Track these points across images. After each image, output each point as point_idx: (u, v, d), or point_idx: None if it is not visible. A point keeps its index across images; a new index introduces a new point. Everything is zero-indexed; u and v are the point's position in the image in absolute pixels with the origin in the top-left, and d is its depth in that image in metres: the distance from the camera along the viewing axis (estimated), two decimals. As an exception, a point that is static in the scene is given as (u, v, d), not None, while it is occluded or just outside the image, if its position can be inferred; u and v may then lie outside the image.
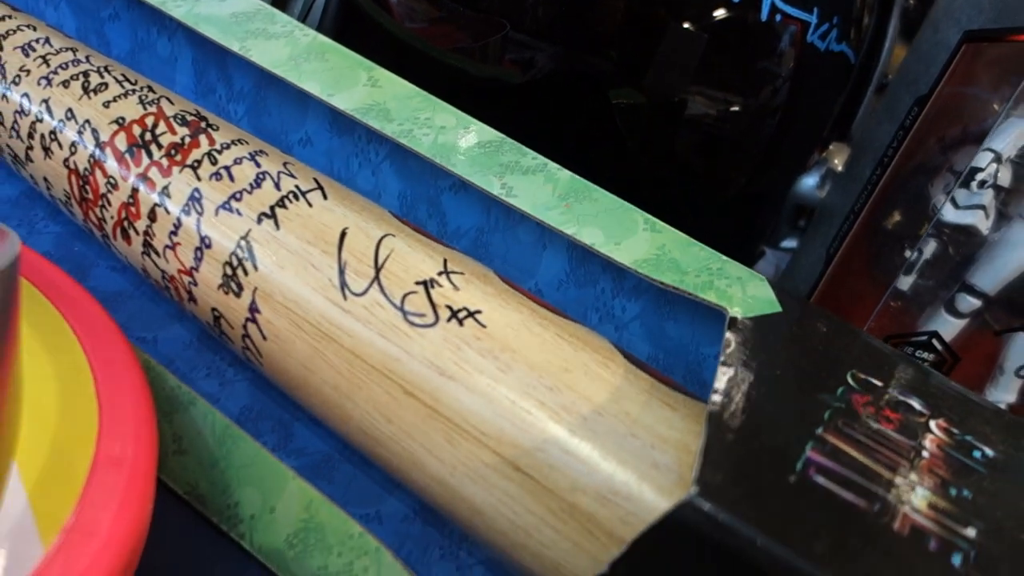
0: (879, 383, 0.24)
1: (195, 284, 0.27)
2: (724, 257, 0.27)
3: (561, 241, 0.28)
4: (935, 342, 0.36)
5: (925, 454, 0.22)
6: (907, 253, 0.36)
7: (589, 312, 0.30)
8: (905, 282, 0.37)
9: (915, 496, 0.20)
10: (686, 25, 0.33)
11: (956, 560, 0.19)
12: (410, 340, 0.24)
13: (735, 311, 0.24)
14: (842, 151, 0.39)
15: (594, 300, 0.29)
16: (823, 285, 0.37)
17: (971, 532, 0.20)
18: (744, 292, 0.25)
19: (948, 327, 0.38)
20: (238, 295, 0.26)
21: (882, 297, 0.37)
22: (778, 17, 0.32)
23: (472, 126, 0.29)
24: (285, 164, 0.28)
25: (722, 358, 0.23)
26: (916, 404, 0.23)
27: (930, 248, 0.36)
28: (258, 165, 0.28)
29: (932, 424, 0.23)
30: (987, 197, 0.35)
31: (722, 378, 0.22)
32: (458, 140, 0.28)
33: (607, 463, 0.22)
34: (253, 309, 0.26)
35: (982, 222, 0.35)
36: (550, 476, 0.23)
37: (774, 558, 0.18)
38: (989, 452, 0.23)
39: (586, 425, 0.23)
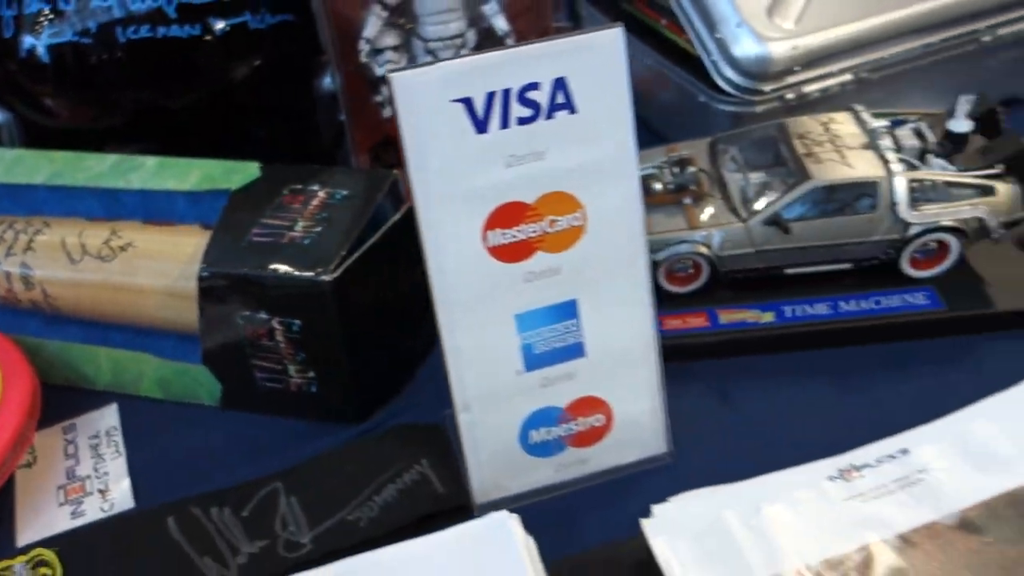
0: (300, 186, 0.53)
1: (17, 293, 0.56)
2: (237, 162, 0.55)
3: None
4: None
5: (311, 208, 0.51)
6: (378, 97, 0.65)
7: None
8: (388, 112, 0.66)
9: (296, 226, 0.50)
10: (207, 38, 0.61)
11: (298, 231, 0.49)
12: (106, 266, 0.54)
13: (233, 188, 0.54)
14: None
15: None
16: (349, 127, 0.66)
17: (318, 228, 0.50)
18: (243, 175, 0.54)
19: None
20: (33, 288, 0.55)
21: (379, 125, 0.66)
22: (229, 29, 0.60)
23: (95, 160, 0.57)
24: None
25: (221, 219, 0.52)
26: (315, 187, 0.53)
27: (385, 93, 0.65)
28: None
29: (320, 192, 0.52)
30: (389, 54, 0.64)
31: (219, 221, 0.51)
32: (87, 171, 0.57)
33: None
34: (45, 292, 0.55)
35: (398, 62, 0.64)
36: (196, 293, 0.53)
37: (241, 275, 0.48)
38: (344, 192, 0.52)
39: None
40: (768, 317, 0.56)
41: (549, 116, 0.41)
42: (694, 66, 0.67)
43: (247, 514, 0.47)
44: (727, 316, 0.56)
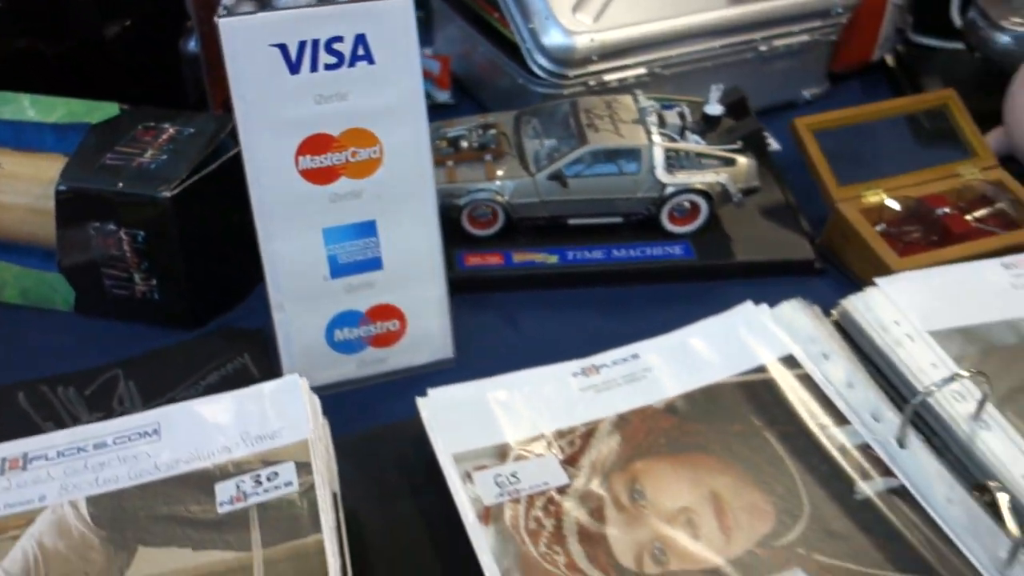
0: (153, 124, 0.62)
1: None
2: (100, 102, 0.64)
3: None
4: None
5: (161, 141, 0.60)
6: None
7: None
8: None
9: (146, 154, 0.59)
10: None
11: (153, 167, 0.58)
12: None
13: (93, 122, 0.62)
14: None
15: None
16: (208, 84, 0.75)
17: (164, 156, 0.59)
18: (103, 112, 0.63)
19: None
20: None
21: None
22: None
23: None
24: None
25: (80, 146, 0.60)
26: (166, 125, 0.62)
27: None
28: None
29: (170, 129, 0.61)
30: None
31: (77, 148, 0.60)
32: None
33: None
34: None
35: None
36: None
37: (94, 190, 0.56)
38: (192, 130, 0.61)
39: (52, 185, 0.61)
40: (553, 259, 0.67)
41: (352, 65, 0.51)
42: (517, 54, 0.78)
43: (89, 393, 0.55)
44: (520, 256, 0.67)
